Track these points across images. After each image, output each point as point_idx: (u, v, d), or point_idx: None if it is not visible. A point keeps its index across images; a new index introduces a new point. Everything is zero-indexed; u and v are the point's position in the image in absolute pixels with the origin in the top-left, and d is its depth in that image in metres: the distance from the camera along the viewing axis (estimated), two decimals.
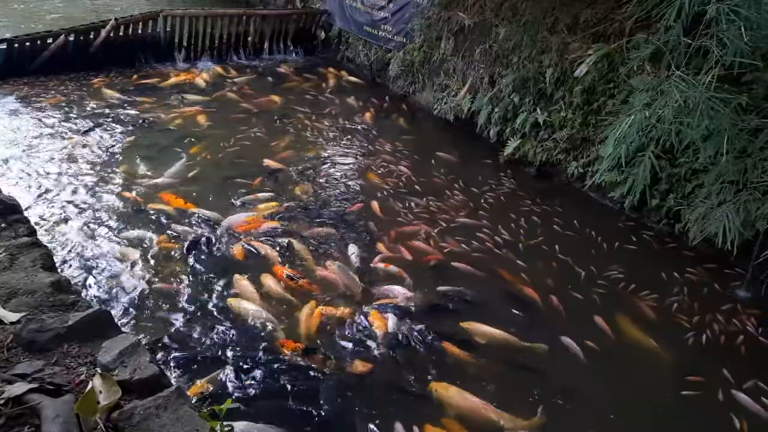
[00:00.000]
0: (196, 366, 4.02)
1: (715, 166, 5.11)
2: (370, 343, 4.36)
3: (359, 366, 4.12)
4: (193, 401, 3.20)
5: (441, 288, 5.04)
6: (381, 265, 5.22)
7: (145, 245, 5.25)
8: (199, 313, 4.52)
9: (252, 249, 5.29)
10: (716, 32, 4.61)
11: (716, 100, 4.62)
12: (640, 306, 5.01)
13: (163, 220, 5.65)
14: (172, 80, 9.31)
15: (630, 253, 5.71)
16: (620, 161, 5.63)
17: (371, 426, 3.69)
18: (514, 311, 4.85)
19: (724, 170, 4.99)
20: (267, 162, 6.96)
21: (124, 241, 5.29)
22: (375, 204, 6.25)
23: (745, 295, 5.20)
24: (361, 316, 4.58)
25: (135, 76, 9.38)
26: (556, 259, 5.55)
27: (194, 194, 6.13)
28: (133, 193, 6.03)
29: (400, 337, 4.41)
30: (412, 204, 6.31)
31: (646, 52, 5.41)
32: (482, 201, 6.48)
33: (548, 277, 5.29)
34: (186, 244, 5.25)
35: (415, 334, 4.45)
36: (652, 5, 5.19)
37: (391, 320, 4.51)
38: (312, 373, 4.02)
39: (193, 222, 5.65)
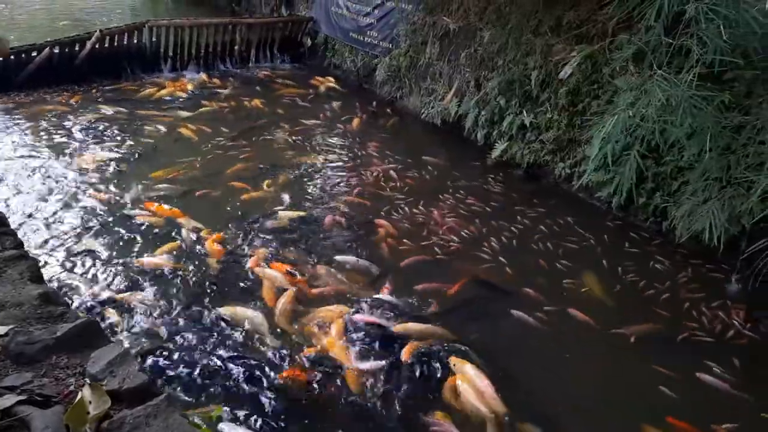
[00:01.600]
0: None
1: (700, 164, 5.17)
2: None
3: None
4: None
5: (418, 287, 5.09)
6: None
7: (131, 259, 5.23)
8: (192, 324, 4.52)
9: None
10: (696, 31, 4.68)
11: (698, 99, 4.68)
12: (629, 301, 5.07)
13: (153, 232, 5.63)
14: (159, 91, 9.28)
15: (618, 251, 5.76)
16: (606, 161, 5.69)
17: None
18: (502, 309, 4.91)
19: (708, 167, 5.06)
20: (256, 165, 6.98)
21: (117, 257, 5.26)
22: (363, 206, 6.29)
23: (734, 290, 5.26)
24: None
25: (121, 88, 9.35)
26: (544, 257, 5.60)
27: (186, 206, 6.09)
28: (124, 208, 5.98)
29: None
30: (403, 208, 6.33)
31: (628, 53, 5.47)
32: (471, 203, 6.51)
33: (536, 275, 5.34)
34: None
35: None
36: (633, 5, 5.25)
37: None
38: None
39: (183, 233, 5.63)
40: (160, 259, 5.18)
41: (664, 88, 4.73)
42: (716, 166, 5.01)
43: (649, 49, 5.20)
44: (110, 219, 5.76)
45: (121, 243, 5.42)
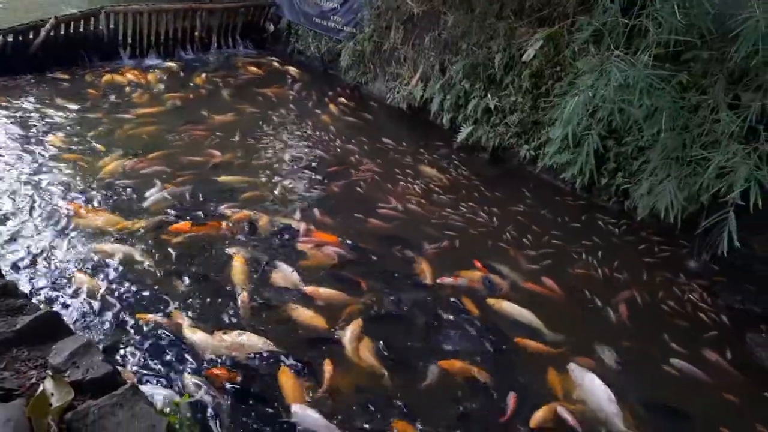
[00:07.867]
0: None
1: (659, 144, 5.29)
2: None
3: None
4: None
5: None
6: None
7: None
8: None
9: None
10: (652, 11, 4.77)
11: (656, 79, 4.78)
12: (589, 277, 5.24)
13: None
14: (118, 79, 9.01)
15: (579, 230, 5.90)
16: (568, 142, 5.78)
17: None
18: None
19: (665, 146, 5.18)
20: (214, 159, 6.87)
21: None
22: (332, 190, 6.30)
23: (693, 266, 5.44)
24: None
25: (78, 77, 9.02)
26: (506, 239, 5.70)
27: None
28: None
29: None
30: (370, 194, 6.35)
31: (586, 34, 5.55)
32: (437, 187, 6.56)
33: (498, 255, 5.46)
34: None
35: None
36: None
37: None
38: None
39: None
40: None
41: (621, 69, 4.82)
42: (673, 145, 5.13)
43: (606, 29, 5.27)
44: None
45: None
